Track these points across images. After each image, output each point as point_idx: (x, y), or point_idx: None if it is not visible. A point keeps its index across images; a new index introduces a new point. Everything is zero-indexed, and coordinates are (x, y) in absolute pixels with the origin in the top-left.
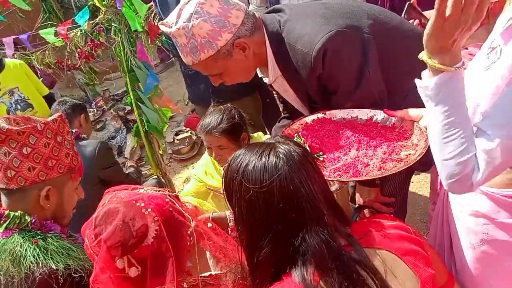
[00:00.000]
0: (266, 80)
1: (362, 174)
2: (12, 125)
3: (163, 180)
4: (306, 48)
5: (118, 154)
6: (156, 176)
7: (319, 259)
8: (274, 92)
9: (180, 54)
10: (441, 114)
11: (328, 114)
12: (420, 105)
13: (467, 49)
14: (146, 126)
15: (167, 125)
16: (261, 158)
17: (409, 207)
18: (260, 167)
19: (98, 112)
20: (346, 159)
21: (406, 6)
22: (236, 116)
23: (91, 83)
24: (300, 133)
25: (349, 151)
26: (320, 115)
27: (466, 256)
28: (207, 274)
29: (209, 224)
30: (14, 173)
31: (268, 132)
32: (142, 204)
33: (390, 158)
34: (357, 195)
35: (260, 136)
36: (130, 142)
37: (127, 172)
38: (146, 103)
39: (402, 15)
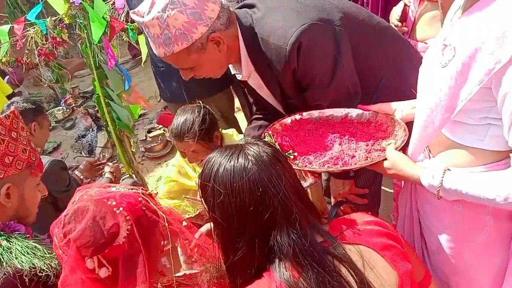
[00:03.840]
0: (239, 76)
1: (351, 164)
2: None
3: (135, 178)
4: (280, 42)
5: (89, 153)
6: (128, 175)
7: (292, 257)
8: (246, 90)
9: (151, 45)
10: (470, 196)
11: (305, 115)
12: (391, 98)
13: (426, 43)
14: (116, 124)
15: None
16: (230, 161)
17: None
18: (230, 170)
19: (68, 110)
20: (332, 153)
21: None
22: (206, 116)
23: (59, 81)
24: (270, 132)
25: (333, 146)
26: (297, 116)
27: (440, 238)
28: (181, 274)
29: (184, 223)
30: None
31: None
32: (114, 203)
33: (374, 149)
34: (332, 188)
35: (232, 134)
36: (101, 140)
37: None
38: (116, 100)
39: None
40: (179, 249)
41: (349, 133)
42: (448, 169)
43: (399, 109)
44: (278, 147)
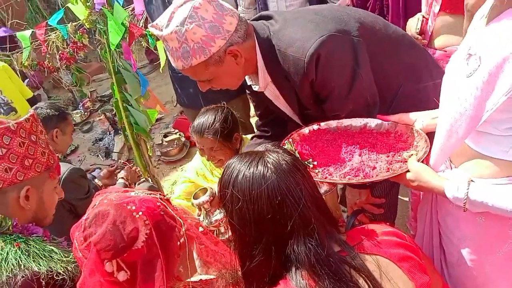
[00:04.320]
0: (255, 87)
1: (373, 176)
2: None
3: (151, 182)
4: (298, 53)
5: (106, 156)
6: (144, 179)
7: (309, 266)
8: (253, 103)
9: (170, 58)
10: (496, 209)
11: (323, 125)
12: (409, 106)
13: (446, 51)
14: (134, 128)
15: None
16: (250, 168)
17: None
18: (249, 177)
19: (85, 113)
20: (352, 164)
21: None
22: (228, 116)
23: (78, 84)
24: (291, 140)
25: (352, 157)
26: (315, 126)
27: (461, 250)
28: (197, 279)
29: (201, 228)
30: None
31: None
32: (133, 207)
33: (395, 160)
34: (348, 197)
35: (247, 138)
36: (118, 144)
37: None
38: (133, 104)
39: None
40: (194, 253)
41: (369, 143)
42: (472, 181)
43: (419, 119)
44: (298, 156)
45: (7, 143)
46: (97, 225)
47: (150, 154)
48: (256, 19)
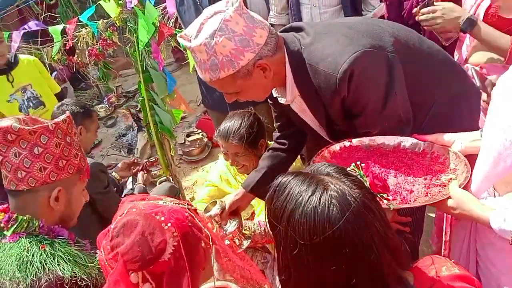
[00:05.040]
0: (282, 100)
1: (410, 201)
2: (22, 125)
3: (172, 181)
4: (331, 69)
5: (128, 152)
6: (165, 178)
7: None
8: (274, 114)
9: (197, 69)
10: None
11: (355, 142)
12: (442, 124)
13: (482, 69)
14: (159, 128)
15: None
16: (310, 202)
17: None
18: (310, 215)
19: (110, 108)
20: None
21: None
22: (255, 122)
23: (105, 80)
24: (359, 162)
25: (388, 178)
26: (346, 143)
27: (501, 282)
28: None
29: (227, 242)
30: (25, 174)
31: None
32: (162, 218)
33: (433, 184)
34: None
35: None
36: (141, 141)
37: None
38: (159, 104)
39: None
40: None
41: (404, 164)
42: None
43: (458, 141)
44: (368, 184)
45: (44, 142)
46: (125, 235)
47: (173, 154)
48: (286, 30)
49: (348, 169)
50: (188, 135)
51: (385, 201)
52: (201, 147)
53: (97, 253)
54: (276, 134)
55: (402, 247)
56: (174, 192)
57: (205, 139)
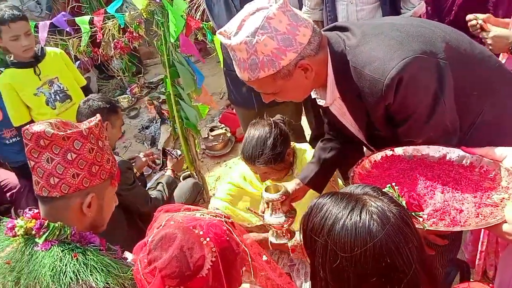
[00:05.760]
0: (321, 102)
1: (461, 222)
2: (55, 130)
3: (195, 176)
4: (377, 74)
5: (152, 145)
6: (189, 173)
7: None
8: (321, 111)
9: (236, 68)
10: None
11: (398, 151)
12: (489, 134)
13: None
14: (184, 123)
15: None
16: (350, 217)
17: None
18: (350, 229)
19: (133, 99)
20: (435, 204)
21: None
22: (278, 138)
23: (129, 74)
24: (394, 184)
25: (434, 194)
26: (388, 152)
27: None
28: None
29: (264, 257)
30: (58, 180)
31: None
32: (201, 232)
33: (484, 203)
34: None
35: (305, 150)
36: (164, 134)
37: (152, 195)
38: (185, 99)
39: None
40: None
41: (451, 179)
42: None
43: (510, 156)
44: (404, 204)
45: (78, 148)
46: (163, 249)
47: (198, 150)
48: (331, 29)
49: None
50: (211, 130)
51: (421, 219)
52: (224, 141)
53: (127, 258)
54: (327, 127)
55: (435, 274)
56: (198, 189)
57: (229, 134)
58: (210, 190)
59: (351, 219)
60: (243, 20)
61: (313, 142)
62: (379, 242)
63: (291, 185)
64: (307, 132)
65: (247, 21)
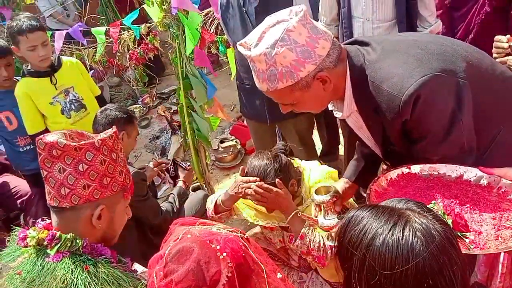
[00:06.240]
0: (338, 114)
1: (480, 245)
2: (68, 140)
3: (205, 189)
4: (395, 90)
5: (162, 155)
6: (198, 184)
7: None
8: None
9: (255, 78)
10: None
11: (415, 169)
12: (506, 154)
13: None
14: (196, 135)
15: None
16: (392, 233)
17: None
18: (392, 245)
19: (144, 109)
20: (453, 225)
21: None
22: (280, 169)
23: (140, 81)
24: (439, 201)
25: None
26: (404, 169)
27: None
28: None
29: (279, 275)
30: (68, 191)
31: (316, 154)
32: (218, 247)
33: (504, 225)
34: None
35: (304, 168)
36: (175, 145)
37: (163, 207)
38: (198, 111)
39: None
40: None
41: (469, 199)
42: None
43: None
44: (450, 223)
45: (90, 159)
46: (180, 262)
47: (208, 162)
48: (351, 43)
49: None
50: (221, 141)
51: (467, 241)
52: (234, 153)
53: (137, 270)
54: None
55: None
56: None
57: (239, 146)
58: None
59: (392, 235)
60: (264, 32)
61: (323, 158)
62: (422, 261)
63: (340, 185)
64: (318, 146)
65: (267, 33)
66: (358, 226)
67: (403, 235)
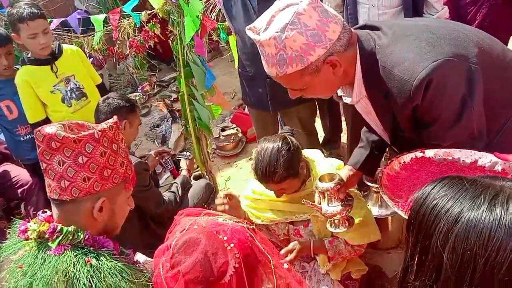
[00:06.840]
0: (347, 100)
1: None
2: (68, 132)
3: (207, 177)
4: (407, 75)
5: (162, 143)
6: (200, 173)
7: None
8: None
9: (263, 63)
10: None
11: (429, 154)
12: None
13: None
14: (197, 123)
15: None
16: (494, 208)
17: None
18: (494, 220)
19: (144, 97)
20: None
21: None
22: (289, 157)
23: (140, 69)
24: None
25: None
26: (418, 153)
27: None
28: None
29: (285, 265)
30: (68, 184)
31: (319, 142)
32: (225, 238)
33: None
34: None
35: (314, 161)
36: (175, 133)
37: (165, 197)
38: (199, 100)
39: None
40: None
41: None
42: None
43: None
44: None
45: (89, 151)
46: (187, 253)
47: (209, 150)
48: (361, 28)
49: None
50: (222, 130)
51: None
52: (235, 142)
53: (139, 261)
54: None
55: None
56: (210, 190)
57: (240, 134)
58: (221, 190)
59: (494, 210)
60: (273, 16)
61: (325, 146)
62: None
63: (344, 172)
64: (320, 134)
65: (276, 17)
66: (439, 204)
67: (507, 210)
